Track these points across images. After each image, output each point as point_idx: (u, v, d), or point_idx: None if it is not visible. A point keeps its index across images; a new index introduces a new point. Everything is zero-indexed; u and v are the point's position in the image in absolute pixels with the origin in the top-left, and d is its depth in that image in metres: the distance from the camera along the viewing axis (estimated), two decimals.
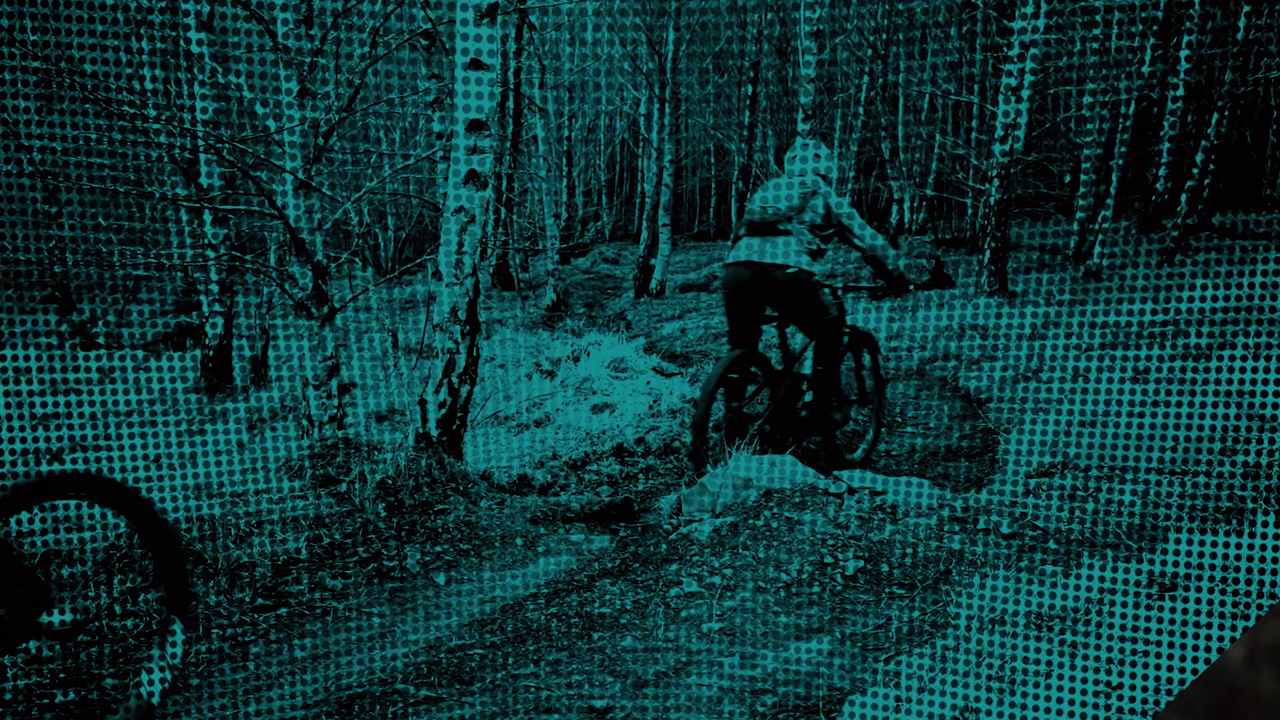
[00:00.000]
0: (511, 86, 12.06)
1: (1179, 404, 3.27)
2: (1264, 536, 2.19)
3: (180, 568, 2.42)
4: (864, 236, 3.98)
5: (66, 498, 2.45)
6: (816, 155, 4.11)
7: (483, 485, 3.86)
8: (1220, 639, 1.98)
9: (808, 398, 4.20)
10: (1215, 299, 4.15)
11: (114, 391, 3.55)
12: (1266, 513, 2.54)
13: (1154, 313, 5.12)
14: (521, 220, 14.62)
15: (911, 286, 4.27)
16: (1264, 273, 3.62)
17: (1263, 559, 2.18)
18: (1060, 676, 1.98)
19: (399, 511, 3.46)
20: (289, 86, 3.95)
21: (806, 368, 4.20)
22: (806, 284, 3.87)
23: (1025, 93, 8.30)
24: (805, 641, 2.43)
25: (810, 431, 4.28)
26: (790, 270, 3.84)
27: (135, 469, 3.30)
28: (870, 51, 13.36)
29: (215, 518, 3.18)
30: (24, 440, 3.12)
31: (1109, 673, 1.96)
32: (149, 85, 6.16)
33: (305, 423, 4.18)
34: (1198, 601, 2.09)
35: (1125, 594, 2.25)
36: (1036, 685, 1.98)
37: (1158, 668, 1.93)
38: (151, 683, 2.32)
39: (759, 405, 4.21)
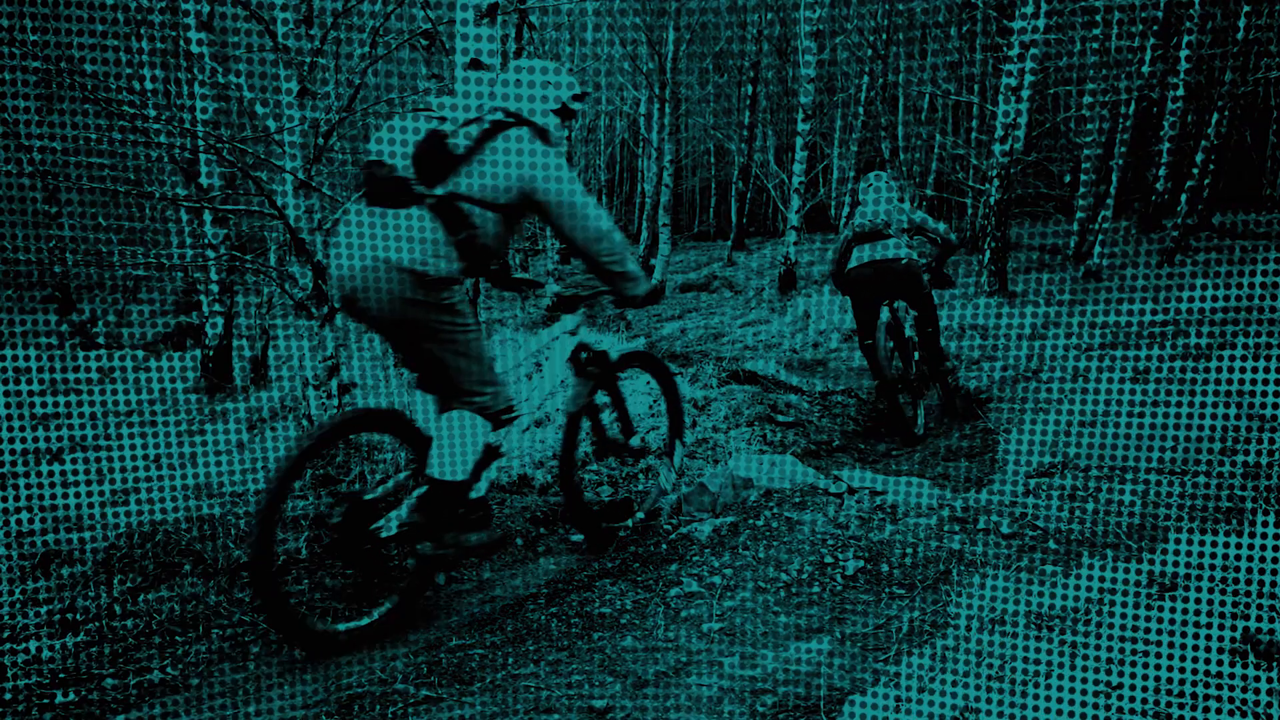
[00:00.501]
0: None
1: (1179, 404, 3.27)
2: (1264, 536, 2.19)
3: (679, 410, 3.70)
4: (938, 230, 5.45)
5: (639, 367, 3.68)
6: (886, 183, 5.45)
7: None
8: (1220, 639, 1.98)
9: (915, 356, 5.46)
10: (1215, 299, 4.15)
11: (114, 391, 3.55)
12: (1266, 513, 2.54)
13: (1154, 313, 5.11)
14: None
15: (962, 250, 5.57)
16: (1264, 273, 3.62)
17: (1263, 559, 2.18)
18: (1060, 676, 1.98)
19: None
20: (289, 86, 3.95)
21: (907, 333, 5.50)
22: (915, 268, 5.22)
23: (1025, 93, 8.30)
24: (805, 641, 2.43)
25: (933, 378, 5.53)
26: (904, 260, 5.15)
27: (135, 469, 3.30)
28: (870, 51, 13.37)
29: (215, 518, 3.18)
30: (24, 440, 3.12)
31: (1109, 673, 1.96)
32: (149, 85, 6.16)
33: (305, 423, 4.18)
34: (1198, 601, 2.09)
35: (1125, 594, 2.25)
36: (1036, 685, 1.98)
37: (1158, 668, 1.93)
38: (666, 478, 3.64)
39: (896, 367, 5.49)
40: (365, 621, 2.69)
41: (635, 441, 3.51)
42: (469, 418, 2.69)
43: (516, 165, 2.58)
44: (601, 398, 3.44)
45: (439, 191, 2.55)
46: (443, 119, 2.59)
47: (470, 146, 2.57)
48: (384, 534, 2.66)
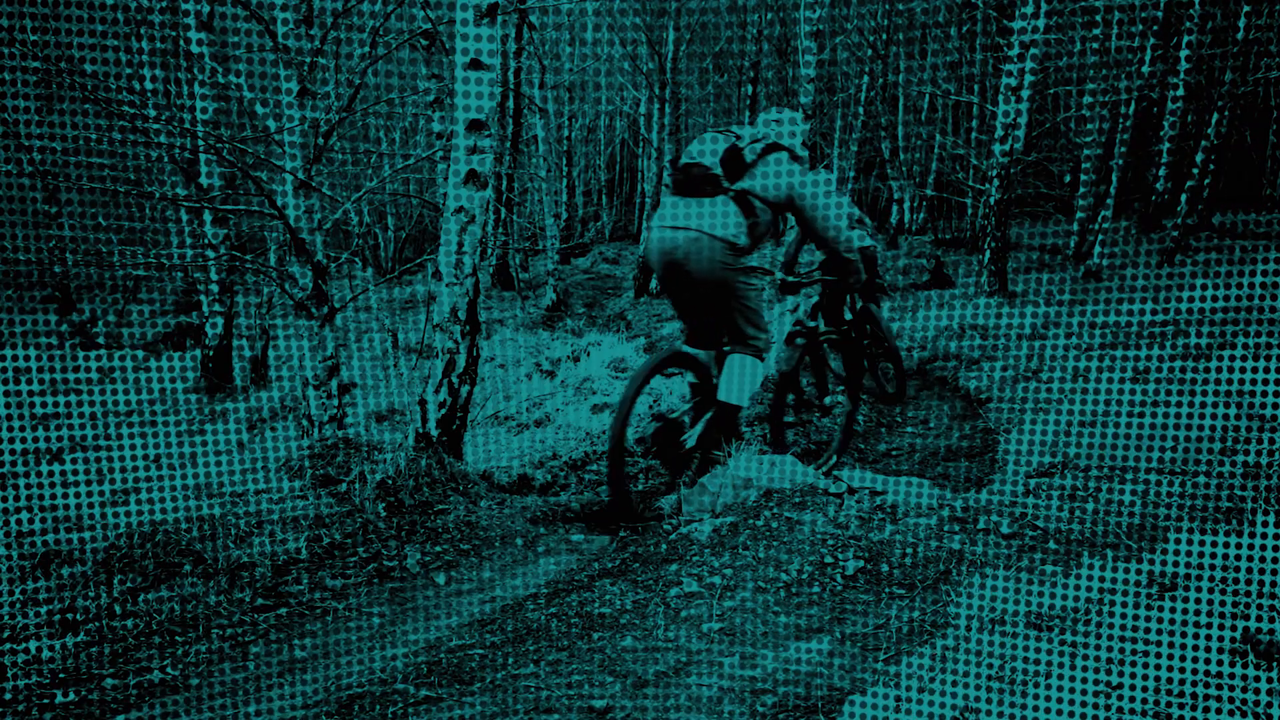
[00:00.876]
0: (511, 86, 12.06)
1: (1179, 404, 3.27)
2: (1264, 536, 2.19)
3: (860, 378, 4.61)
4: (863, 217, 5.93)
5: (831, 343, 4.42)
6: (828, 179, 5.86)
7: (483, 485, 3.86)
8: (1220, 639, 1.98)
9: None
10: (1215, 299, 4.16)
11: (114, 391, 3.55)
12: (1266, 513, 2.54)
13: (1154, 313, 5.12)
14: (521, 220, 14.63)
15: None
16: (1264, 273, 3.62)
17: (1263, 559, 2.18)
18: (1060, 676, 1.98)
19: (399, 511, 3.46)
20: (289, 86, 3.95)
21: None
22: (874, 255, 5.81)
23: (1025, 93, 8.30)
24: (805, 641, 2.43)
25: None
26: (870, 249, 5.69)
27: (135, 469, 3.30)
28: (870, 51, 13.37)
29: (215, 518, 3.18)
30: (24, 440, 3.12)
31: (1109, 673, 1.96)
32: (149, 85, 6.16)
33: (305, 423, 4.18)
34: (1198, 601, 2.09)
35: (1125, 594, 2.25)
36: (1036, 685, 1.98)
37: (1158, 668, 1.93)
38: (853, 418, 4.50)
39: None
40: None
41: (827, 401, 4.40)
42: (750, 360, 3.62)
43: (786, 175, 3.54)
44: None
45: (737, 187, 3.50)
46: (739, 136, 3.55)
47: (755, 158, 3.53)
48: (688, 443, 3.68)
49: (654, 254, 3.55)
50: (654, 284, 13.45)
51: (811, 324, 4.17)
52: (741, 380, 3.61)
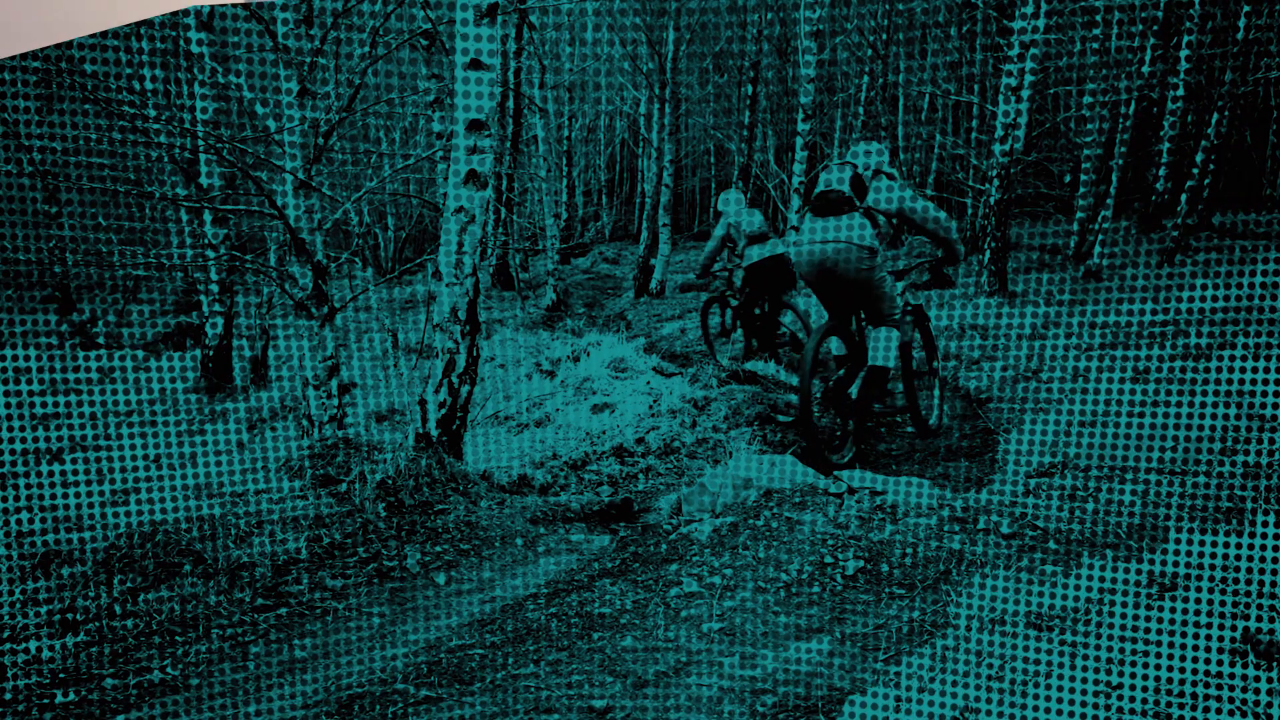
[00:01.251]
0: (511, 86, 12.06)
1: (1179, 404, 3.27)
2: (1264, 536, 2.19)
3: (936, 351, 5.20)
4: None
5: (921, 319, 5.07)
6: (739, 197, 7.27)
7: (483, 485, 3.86)
8: (1220, 639, 1.98)
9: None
10: (1215, 299, 4.16)
11: (114, 391, 3.55)
12: (1266, 513, 2.54)
13: (1154, 313, 5.12)
14: (521, 220, 14.62)
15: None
16: (1264, 273, 3.62)
17: (1263, 559, 2.17)
18: (1060, 676, 1.98)
19: (399, 511, 3.46)
20: (289, 86, 3.95)
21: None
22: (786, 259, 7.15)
23: (1025, 93, 8.30)
24: (805, 641, 2.42)
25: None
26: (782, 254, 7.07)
27: (135, 469, 3.30)
28: (870, 51, 13.36)
29: (215, 518, 3.18)
30: (24, 440, 3.12)
31: (1109, 673, 1.96)
32: (149, 85, 6.16)
33: (305, 423, 4.18)
34: (1198, 601, 2.09)
35: (1125, 594, 2.25)
36: (1036, 685, 1.98)
37: (1158, 668, 1.93)
38: (932, 411, 5.07)
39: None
40: (848, 456, 4.52)
41: (936, 365, 5.12)
42: (890, 330, 4.49)
43: (897, 193, 4.45)
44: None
45: (864, 205, 4.36)
46: (855, 166, 4.38)
47: (868, 179, 4.43)
48: (852, 394, 4.55)
49: (806, 264, 4.40)
50: (653, 284, 13.48)
51: (916, 303, 4.90)
52: (886, 347, 4.48)
